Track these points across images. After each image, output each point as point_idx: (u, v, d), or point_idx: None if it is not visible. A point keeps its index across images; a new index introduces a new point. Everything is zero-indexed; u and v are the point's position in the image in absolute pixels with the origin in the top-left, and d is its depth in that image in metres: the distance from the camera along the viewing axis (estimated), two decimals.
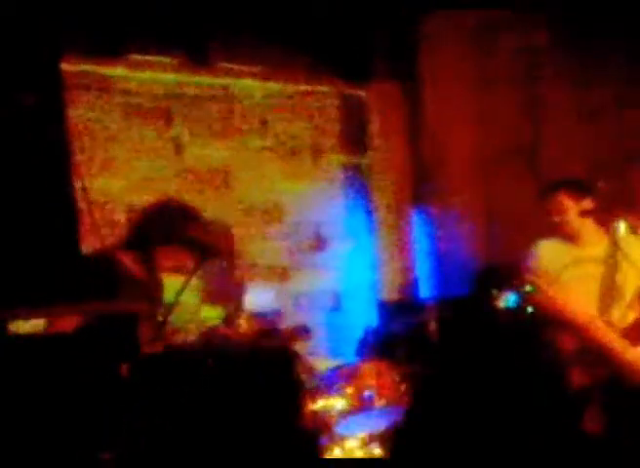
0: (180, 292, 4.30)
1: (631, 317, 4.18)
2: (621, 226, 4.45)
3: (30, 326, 3.65)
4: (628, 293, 4.34)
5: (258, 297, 5.45)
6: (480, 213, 6.44)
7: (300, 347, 5.01)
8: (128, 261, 4.34)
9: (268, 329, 4.81)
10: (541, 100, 6.66)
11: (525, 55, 6.58)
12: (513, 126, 6.59)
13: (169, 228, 4.36)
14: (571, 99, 6.68)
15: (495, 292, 3.49)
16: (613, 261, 4.34)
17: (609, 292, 4.25)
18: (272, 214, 6.20)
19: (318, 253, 6.36)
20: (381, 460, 4.62)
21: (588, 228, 4.76)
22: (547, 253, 4.66)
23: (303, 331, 4.95)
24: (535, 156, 6.52)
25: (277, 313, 5.25)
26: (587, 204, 4.73)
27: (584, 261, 4.59)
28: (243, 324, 4.70)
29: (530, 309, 3.49)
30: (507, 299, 3.54)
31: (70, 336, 3.74)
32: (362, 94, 6.58)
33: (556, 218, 4.77)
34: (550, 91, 6.67)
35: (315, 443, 4.68)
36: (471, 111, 6.58)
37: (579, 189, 4.80)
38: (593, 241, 4.73)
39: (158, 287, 4.44)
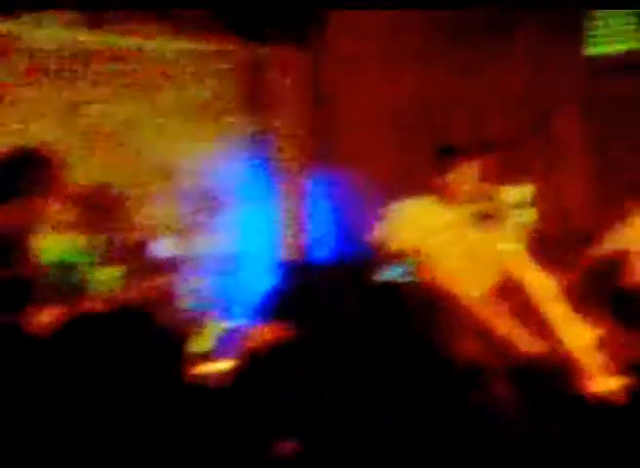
0: (68, 252, 4.18)
1: (491, 282, 4.28)
2: (511, 191, 4.51)
3: None
4: (489, 259, 4.41)
5: (159, 246, 5.43)
6: (377, 178, 6.50)
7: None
8: None
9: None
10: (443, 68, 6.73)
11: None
12: (413, 93, 6.66)
13: (32, 178, 3.86)
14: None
15: (374, 263, 3.52)
16: (475, 226, 4.36)
17: (472, 258, 4.30)
18: (170, 174, 6.17)
19: (215, 215, 6.35)
20: None
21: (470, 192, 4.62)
22: (413, 217, 4.47)
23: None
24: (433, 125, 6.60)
25: (178, 260, 5.20)
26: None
27: (452, 226, 4.45)
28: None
29: (409, 282, 3.53)
30: (388, 272, 3.58)
31: None
32: (264, 57, 6.57)
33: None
34: (450, 56, 6.75)
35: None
36: (372, 75, 6.62)
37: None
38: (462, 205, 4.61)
39: (27, 246, 4.02)
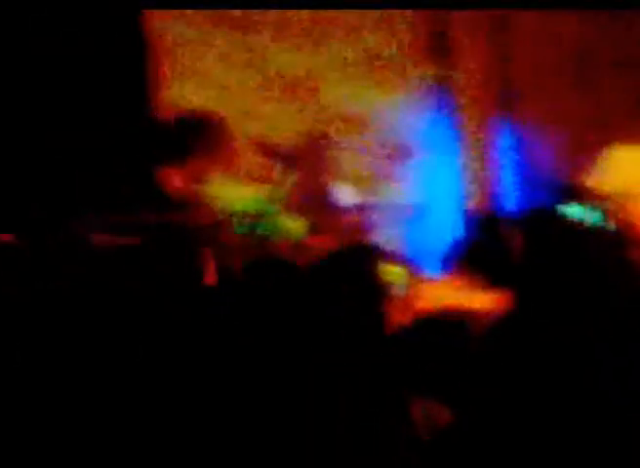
0: (260, 203, 4.30)
1: None
2: None
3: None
4: None
5: (340, 194, 5.46)
6: (569, 123, 6.33)
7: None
8: (175, 178, 4.22)
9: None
10: None
11: None
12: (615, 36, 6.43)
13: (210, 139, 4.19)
14: None
15: (573, 207, 3.40)
16: None
17: None
18: (356, 124, 6.15)
19: (402, 165, 6.31)
20: None
21: None
22: (629, 162, 4.27)
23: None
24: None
25: (361, 207, 5.23)
26: None
27: None
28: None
29: (611, 226, 3.40)
30: (588, 215, 3.45)
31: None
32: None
33: None
34: None
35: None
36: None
37: None
38: None
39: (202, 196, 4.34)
